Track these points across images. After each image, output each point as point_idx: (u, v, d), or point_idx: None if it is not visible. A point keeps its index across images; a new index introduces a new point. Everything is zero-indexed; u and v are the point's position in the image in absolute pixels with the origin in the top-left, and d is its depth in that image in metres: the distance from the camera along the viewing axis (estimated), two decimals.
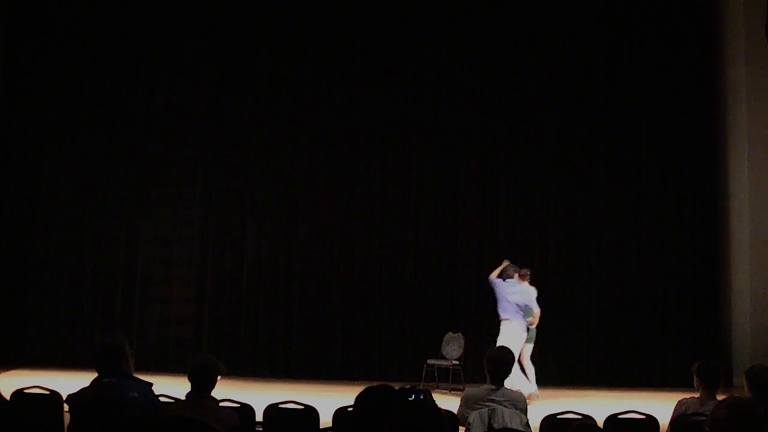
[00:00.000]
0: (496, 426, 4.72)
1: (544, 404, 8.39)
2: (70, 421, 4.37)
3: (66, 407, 4.55)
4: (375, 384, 3.35)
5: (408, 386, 3.26)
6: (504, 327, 8.86)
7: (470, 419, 4.86)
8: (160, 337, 10.87)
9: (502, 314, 8.93)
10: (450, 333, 10.00)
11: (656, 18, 11.15)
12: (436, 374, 9.78)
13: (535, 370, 9.08)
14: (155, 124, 11.18)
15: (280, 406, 5.19)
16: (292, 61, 11.19)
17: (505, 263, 9.25)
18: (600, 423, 4.59)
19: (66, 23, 11.27)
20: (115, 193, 11.12)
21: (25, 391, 5.21)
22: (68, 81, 11.19)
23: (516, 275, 9.08)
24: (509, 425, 4.69)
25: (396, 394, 3.20)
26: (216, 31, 11.26)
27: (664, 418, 5.27)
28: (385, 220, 11.02)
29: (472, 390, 5.08)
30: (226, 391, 5.16)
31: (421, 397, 3.11)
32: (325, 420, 5.16)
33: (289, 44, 11.21)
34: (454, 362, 9.64)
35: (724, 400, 2.73)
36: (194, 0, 11.36)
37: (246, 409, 5.02)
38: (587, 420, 4.60)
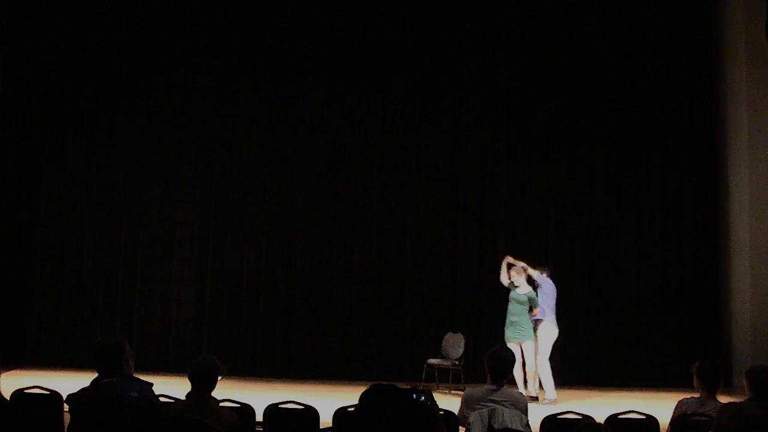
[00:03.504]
0: (496, 426, 4.71)
1: (543, 404, 8.42)
2: (70, 421, 4.37)
3: (66, 407, 4.55)
4: (381, 383, 3.34)
5: (409, 386, 3.24)
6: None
7: (470, 419, 4.86)
8: (160, 337, 10.87)
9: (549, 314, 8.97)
10: (450, 333, 10.00)
11: (656, 18, 11.14)
12: (436, 374, 9.77)
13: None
14: (155, 123, 11.18)
15: (280, 406, 5.20)
16: (292, 61, 11.20)
17: (519, 263, 9.18)
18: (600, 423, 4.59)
19: (66, 24, 11.26)
20: (115, 193, 11.12)
21: (25, 391, 5.22)
22: (68, 81, 11.18)
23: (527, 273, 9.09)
24: (509, 425, 4.68)
25: (400, 393, 3.20)
26: (216, 30, 11.26)
27: (664, 418, 5.27)
28: (385, 220, 11.02)
29: (472, 390, 5.08)
30: (226, 391, 5.16)
31: (422, 397, 3.10)
32: (325, 420, 5.16)
33: (289, 45, 11.22)
34: (454, 362, 9.64)
35: (727, 408, 2.72)
36: (195, 1, 11.37)
37: (246, 409, 5.02)
38: (587, 420, 4.60)
